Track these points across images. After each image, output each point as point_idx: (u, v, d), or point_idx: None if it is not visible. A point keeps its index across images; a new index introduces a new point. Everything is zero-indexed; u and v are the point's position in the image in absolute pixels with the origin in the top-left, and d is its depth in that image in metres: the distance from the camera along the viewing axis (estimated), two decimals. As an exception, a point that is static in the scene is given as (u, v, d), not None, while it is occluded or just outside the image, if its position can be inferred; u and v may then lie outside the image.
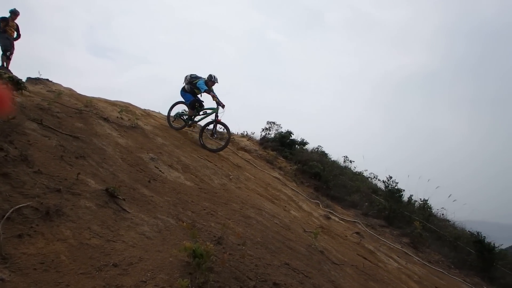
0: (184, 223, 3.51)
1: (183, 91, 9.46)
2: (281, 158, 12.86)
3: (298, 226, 6.15)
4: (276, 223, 5.41)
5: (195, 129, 10.13)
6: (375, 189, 14.38)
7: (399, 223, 11.74)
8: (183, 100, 9.55)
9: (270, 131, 14.82)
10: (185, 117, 9.55)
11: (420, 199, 13.49)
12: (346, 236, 7.91)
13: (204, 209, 4.44)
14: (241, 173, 8.19)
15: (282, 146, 13.69)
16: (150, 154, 5.55)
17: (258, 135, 14.78)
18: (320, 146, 16.65)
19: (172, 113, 9.74)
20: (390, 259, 7.86)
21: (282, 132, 14.49)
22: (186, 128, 9.60)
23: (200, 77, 9.34)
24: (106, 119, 6.09)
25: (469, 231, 12.63)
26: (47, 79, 7.28)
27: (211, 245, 2.96)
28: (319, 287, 3.69)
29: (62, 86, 7.23)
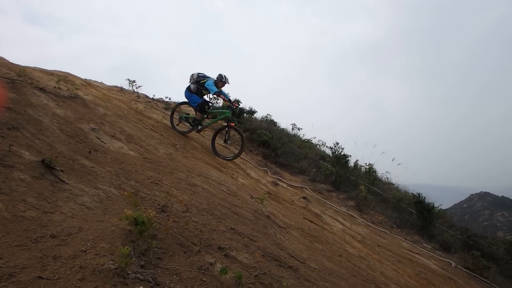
0: (126, 192, 3.46)
1: (189, 92, 8.77)
2: (230, 127, 12.88)
3: (245, 193, 6.25)
4: (223, 190, 5.46)
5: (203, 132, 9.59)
6: (323, 156, 14.82)
7: (346, 187, 12.26)
8: (187, 101, 8.90)
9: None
10: (191, 120, 8.91)
11: (366, 163, 14.16)
12: (293, 201, 8.16)
13: (148, 179, 4.38)
14: (188, 142, 8.12)
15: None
16: (91, 125, 5.34)
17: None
18: (269, 115, 16.84)
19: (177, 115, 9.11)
20: (335, 222, 8.23)
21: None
22: (194, 132, 8.98)
23: (209, 77, 8.70)
24: (42, 89, 5.75)
25: (411, 193, 13.47)
26: (-27, 46, 6.68)
27: (153, 212, 2.95)
28: (264, 249, 3.81)
29: (-9, 54, 6.69)
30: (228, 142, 8.90)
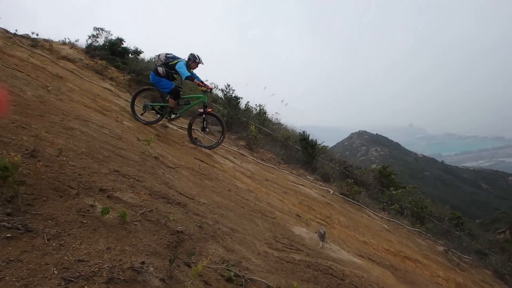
0: (-17, 137, 3.02)
1: (157, 76, 7.69)
2: (113, 68, 12.00)
3: (131, 136, 5.98)
4: (105, 133, 5.14)
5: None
6: (215, 98, 14.86)
7: (237, 128, 12.59)
8: (153, 87, 7.91)
9: (98, 38, 13.47)
10: (158, 108, 7.97)
11: (256, 105, 14.64)
12: (184, 142, 8.08)
13: (13, 123, 3.87)
14: (63, 84, 7.39)
15: (113, 55, 12.68)
16: None
17: (83, 43, 13.35)
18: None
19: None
20: (226, 160, 8.40)
21: (112, 39, 13.33)
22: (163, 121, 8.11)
23: (179, 58, 7.63)
24: None
25: (298, 132, 14.45)
26: None
27: (19, 157, 2.63)
28: (151, 189, 3.72)
29: None
30: (206, 129, 8.40)
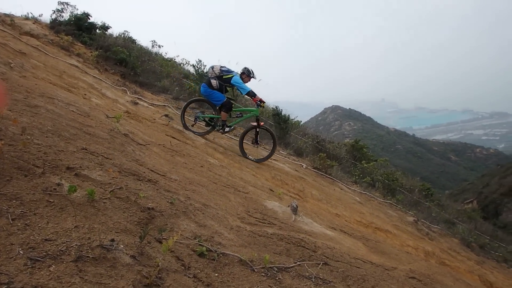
0: None
1: (209, 88, 7.61)
2: (79, 44, 11.59)
3: (100, 113, 5.84)
4: (73, 111, 5.00)
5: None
6: (186, 74, 14.65)
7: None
8: (205, 98, 7.89)
9: (63, 13, 12.93)
10: (208, 120, 7.97)
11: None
12: (155, 119, 7.98)
13: (-27, 101, 3.72)
14: (27, 60, 7.09)
15: (79, 31, 12.25)
16: None
17: (47, 17, 12.79)
18: (127, 31, 15.69)
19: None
20: (198, 136, 8.35)
21: (78, 14, 12.83)
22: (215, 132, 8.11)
23: (233, 71, 7.48)
24: None
25: (271, 107, 14.47)
26: None
27: (-21, 136, 2.54)
28: (121, 166, 3.67)
29: None
30: (258, 143, 8.35)
